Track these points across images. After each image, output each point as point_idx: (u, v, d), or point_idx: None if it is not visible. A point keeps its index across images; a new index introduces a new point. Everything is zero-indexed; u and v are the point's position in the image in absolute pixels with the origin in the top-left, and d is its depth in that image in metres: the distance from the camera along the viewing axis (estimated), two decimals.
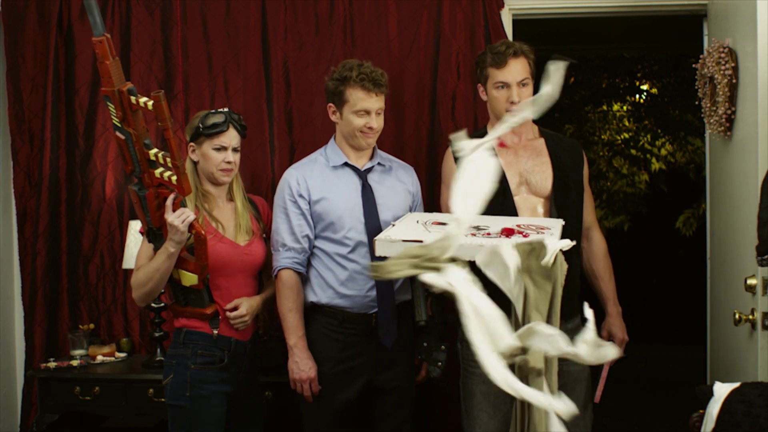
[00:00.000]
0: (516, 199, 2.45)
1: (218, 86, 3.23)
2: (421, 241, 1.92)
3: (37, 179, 3.25)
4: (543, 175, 2.47)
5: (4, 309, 3.32)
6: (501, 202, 2.40)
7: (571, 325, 2.45)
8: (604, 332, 2.58)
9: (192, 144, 2.46)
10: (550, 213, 2.45)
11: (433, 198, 3.14)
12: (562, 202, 2.45)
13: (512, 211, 2.42)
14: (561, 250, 1.85)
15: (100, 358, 3.10)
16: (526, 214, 2.44)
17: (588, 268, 2.62)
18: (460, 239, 1.76)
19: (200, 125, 2.43)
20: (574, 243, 2.03)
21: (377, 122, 2.47)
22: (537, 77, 2.45)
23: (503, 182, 2.42)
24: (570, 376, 2.43)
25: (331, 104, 2.50)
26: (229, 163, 2.44)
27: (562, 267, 1.84)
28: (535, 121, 2.56)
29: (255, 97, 3.22)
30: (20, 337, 3.33)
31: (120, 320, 3.27)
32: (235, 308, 2.43)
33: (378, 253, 2.04)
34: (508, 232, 2.06)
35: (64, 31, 3.26)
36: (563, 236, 2.33)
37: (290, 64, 3.20)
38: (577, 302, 2.50)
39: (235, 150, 2.46)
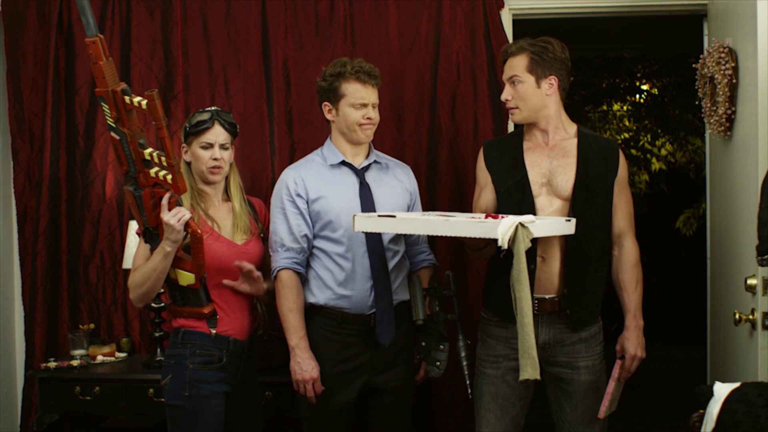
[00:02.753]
0: (538, 199, 2.38)
1: (218, 86, 3.23)
2: (394, 216, 2.19)
3: (37, 179, 3.25)
4: (565, 177, 2.39)
5: (4, 309, 3.32)
6: (520, 201, 2.38)
7: (586, 333, 2.41)
8: (618, 346, 2.46)
9: (184, 144, 2.48)
10: (569, 215, 2.36)
11: (433, 198, 3.15)
12: (581, 206, 2.36)
13: (531, 211, 2.35)
14: (522, 224, 2.03)
15: (100, 358, 3.10)
16: (548, 216, 2.37)
17: (615, 277, 2.49)
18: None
19: (187, 125, 2.45)
20: (534, 220, 2.08)
21: (375, 114, 2.49)
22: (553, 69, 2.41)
23: (524, 181, 2.39)
24: (581, 386, 2.41)
25: (326, 103, 2.50)
26: (216, 160, 2.43)
27: (525, 240, 2.03)
28: (574, 120, 2.51)
29: (255, 97, 3.22)
30: (20, 337, 3.33)
31: (120, 320, 3.27)
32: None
33: (356, 228, 2.26)
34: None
35: (64, 31, 3.26)
36: (583, 240, 2.35)
37: (290, 64, 3.20)
38: (598, 311, 2.46)
39: (223, 147, 2.45)
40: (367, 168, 2.54)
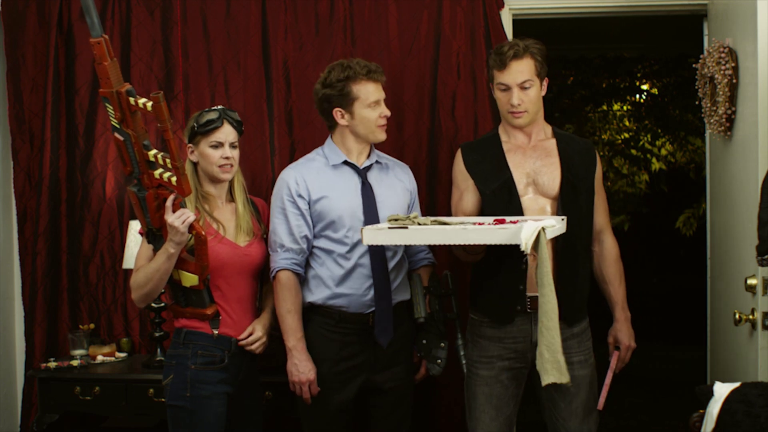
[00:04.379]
0: (524, 199, 2.41)
1: (218, 86, 3.23)
2: (406, 228, 2.14)
3: (37, 179, 3.25)
4: (551, 176, 2.42)
5: (4, 309, 3.32)
6: (507, 202, 2.39)
7: (578, 329, 2.44)
8: (610, 338, 2.54)
9: (190, 145, 2.46)
10: (557, 214, 2.40)
11: (433, 198, 3.15)
12: (569, 204, 2.40)
13: (518, 212, 2.38)
14: (544, 229, 2.04)
15: (100, 358, 3.10)
16: (535, 215, 2.40)
17: (598, 272, 2.55)
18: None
19: (195, 124, 2.43)
20: (555, 225, 2.11)
21: (387, 110, 2.50)
22: (549, 74, 2.48)
23: (509, 183, 2.41)
24: (574, 380, 2.41)
25: (338, 108, 2.46)
26: (227, 159, 2.43)
27: (547, 245, 2.04)
28: (549, 121, 2.54)
29: (255, 97, 3.21)
30: (20, 337, 3.33)
31: (120, 320, 3.27)
32: (250, 335, 2.43)
33: (365, 241, 2.18)
34: (499, 222, 2.20)
35: (64, 31, 3.26)
36: (571, 238, 2.37)
37: (290, 64, 3.20)
38: (585, 307, 2.50)
39: (232, 146, 2.45)
40: (369, 168, 2.54)
